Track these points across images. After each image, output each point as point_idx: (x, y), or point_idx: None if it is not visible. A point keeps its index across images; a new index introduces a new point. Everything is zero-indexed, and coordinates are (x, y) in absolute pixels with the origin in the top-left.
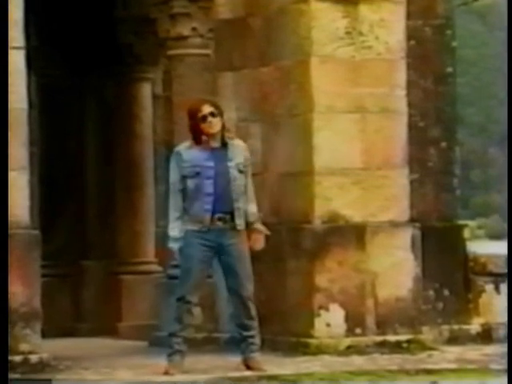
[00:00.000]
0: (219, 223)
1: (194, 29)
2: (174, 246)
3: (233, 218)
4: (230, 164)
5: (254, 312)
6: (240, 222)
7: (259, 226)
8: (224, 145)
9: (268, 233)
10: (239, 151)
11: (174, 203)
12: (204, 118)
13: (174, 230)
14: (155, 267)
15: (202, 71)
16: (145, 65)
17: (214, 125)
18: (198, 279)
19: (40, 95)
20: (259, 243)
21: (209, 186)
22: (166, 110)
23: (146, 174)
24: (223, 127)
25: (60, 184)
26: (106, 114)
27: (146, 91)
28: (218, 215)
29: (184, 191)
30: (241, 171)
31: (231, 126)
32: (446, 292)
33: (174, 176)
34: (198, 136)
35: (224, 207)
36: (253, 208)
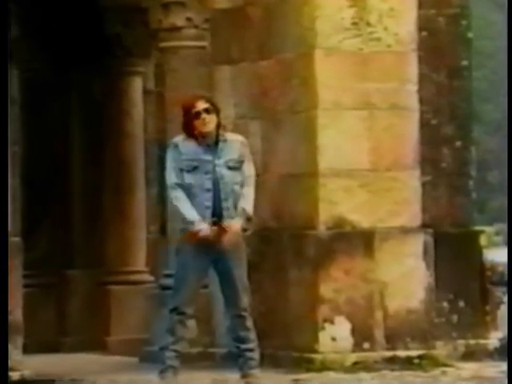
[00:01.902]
0: (214, 228)
1: (188, 19)
2: (202, 226)
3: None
4: (217, 162)
5: (250, 323)
6: (228, 223)
7: (228, 222)
8: (217, 142)
9: (236, 229)
10: (232, 147)
11: (178, 196)
12: (197, 114)
13: (193, 214)
14: (146, 277)
15: (197, 65)
16: (135, 58)
17: (208, 122)
18: (193, 289)
19: (22, 90)
20: (227, 241)
21: (207, 182)
22: (158, 107)
23: (136, 175)
24: (219, 125)
25: (43, 186)
26: (93, 111)
27: (136, 86)
28: (216, 215)
29: (181, 187)
30: (231, 168)
31: (229, 124)
32: (461, 303)
33: (171, 169)
34: (191, 134)
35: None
36: (243, 203)
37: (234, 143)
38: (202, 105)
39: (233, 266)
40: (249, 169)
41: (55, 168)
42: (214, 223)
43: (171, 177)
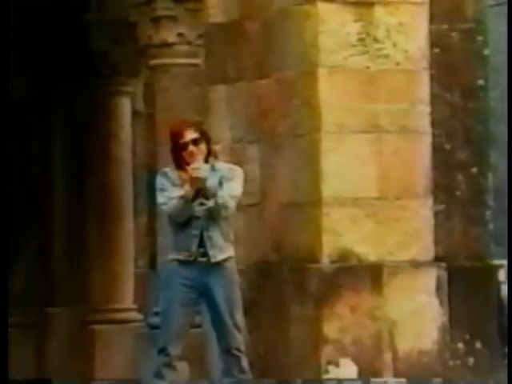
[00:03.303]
0: (203, 259)
1: (180, 34)
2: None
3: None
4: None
5: (246, 364)
6: (214, 254)
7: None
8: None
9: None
10: (216, 175)
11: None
12: (185, 145)
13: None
14: (134, 315)
15: (190, 84)
16: (123, 76)
17: (196, 155)
18: (180, 326)
19: None
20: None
21: (197, 210)
22: (147, 129)
23: (123, 203)
24: (209, 153)
25: (22, 215)
26: (77, 134)
27: (124, 107)
28: (202, 245)
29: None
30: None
31: (224, 148)
32: (478, 344)
33: (160, 191)
34: (178, 162)
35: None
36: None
37: (221, 172)
38: (190, 135)
39: (222, 300)
40: (233, 188)
41: (35, 195)
42: (203, 255)
43: (160, 198)
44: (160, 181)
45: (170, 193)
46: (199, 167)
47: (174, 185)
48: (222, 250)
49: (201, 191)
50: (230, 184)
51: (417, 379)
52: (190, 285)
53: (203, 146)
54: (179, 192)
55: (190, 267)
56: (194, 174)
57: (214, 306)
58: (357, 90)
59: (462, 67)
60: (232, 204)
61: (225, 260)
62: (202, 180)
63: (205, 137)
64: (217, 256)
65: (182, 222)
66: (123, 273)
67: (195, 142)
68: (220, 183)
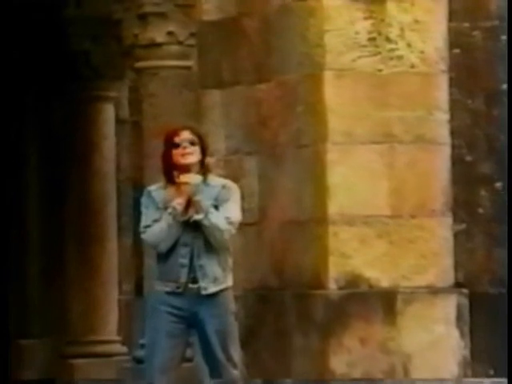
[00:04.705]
0: (193, 286)
1: (170, 33)
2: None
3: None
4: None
5: None
6: (206, 285)
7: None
8: None
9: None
10: (210, 193)
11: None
12: (179, 144)
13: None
14: (118, 347)
15: (181, 88)
16: (106, 80)
17: (189, 153)
18: (168, 360)
19: None
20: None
21: (185, 235)
22: (133, 140)
23: (106, 222)
24: (202, 164)
25: None
26: (54, 144)
27: (107, 114)
28: (192, 275)
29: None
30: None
31: (219, 161)
32: (504, 381)
33: (144, 215)
34: (168, 170)
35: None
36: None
37: (214, 188)
38: (186, 135)
39: (213, 332)
40: (229, 210)
41: (7, 213)
42: (194, 281)
43: (142, 222)
44: (143, 202)
45: (151, 217)
46: (189, 175)
47: (157, 208)
48: (217, 280)
49: (191, 205)
50: (226, 206)
51: None
52: (179, 314)
53: (198, 152)
54: (164, 216)
55: (179, 296)
56: (183, 179)
57: (204, 338)
58: (367, 95)
59: (484, 70)
60: (226, 227)
61: (218, 292)
62: (192, 187)
63: (202, 144)
64: (208, 288)
65: (166, 250)
66: (105, 300)
67: (191, 142)
68: (215, 206)
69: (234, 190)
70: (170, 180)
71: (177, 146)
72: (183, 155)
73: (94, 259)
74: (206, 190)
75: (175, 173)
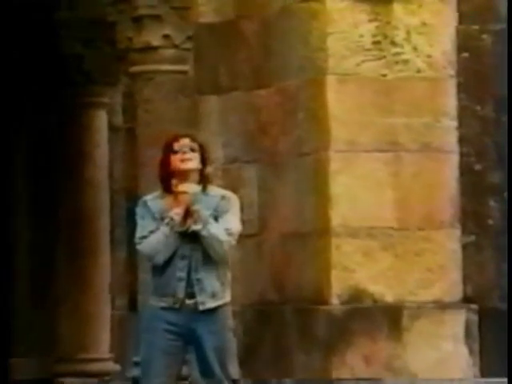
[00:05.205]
0: (190, 302)
1: (166, 36)
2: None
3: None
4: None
5: None
6: (203, 300)
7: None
8: None
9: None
10: (209, 204)
11: (147, 240)
12: (179, 151)
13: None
14: (111, 366)
15: (177, 94)
16: (98, 85)
17: (189, 159)
18: (164, 378)
19: None
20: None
21: (183, 247)
22: (127, 148)
23: (99, 234)
24: (206, 176)
25: None
26: (43, 153)
27: (100, 121)
28: (190, 290)
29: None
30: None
31: (216, 170)
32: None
33: (139, 226)
34: (166, 178)
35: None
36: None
37: (213, 199)
38: (187, 142)
39: (212, 349)
40: (229, 221)
41: None
42: (191, 296)
43: (137, 233)
44: (139, 212)
45: (148, 227)
46: (187, 184)
47: (154, 218)
48: (215, 296)
49: (189, 214)
50: (226, 217)
51: None
52: (175, 331)
53: (198, 160)
54: (161, 226)
55: (175, 311)
56: (181, 189)
57: (202, 355)
58: (371, 101)
59: (494, 75)
60: (226, 238)
61: (216, 308)
62: (191, 196)
63: (202, 153)
64: (206, 303)
65: (163, 262)
66: (98, 315)
67: (191, 149)
68: (215, 217)
69: (234, 201)
70: (168, 189)
71: (176, 152)
72: (183, 160)
73: (85, 273)
74: (205, 200)
75: (173, 181)
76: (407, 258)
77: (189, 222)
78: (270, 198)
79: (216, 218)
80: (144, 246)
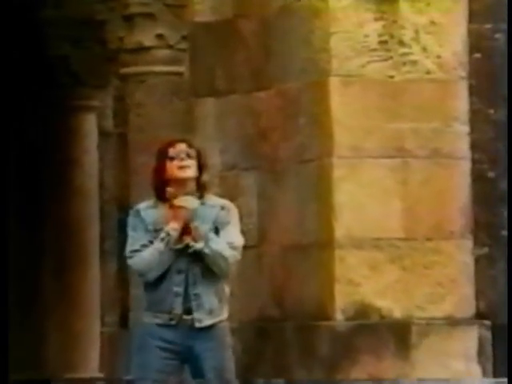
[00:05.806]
0: (187, 317)
1: (159, 36)
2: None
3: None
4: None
5: None
6: (200, 317)
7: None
8: None
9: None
10: (207, 214)
11: (139, 255)
12: (175, 157)
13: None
14: None
15: (172, 97)
16: (87, 87)
17: (186, 166)
18: None
19: None
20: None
21: (179, 261)
22: (118, 154)
23: (88, 246)
24: (203, 185)
25: None
26: (29, 160)
27: (89, 126)
28: (187, 305)
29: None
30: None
31: (214, 177)
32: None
33: (130, 238)
34: (160, 185)
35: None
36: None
37: (212, 209)
38: (183, 147)
39: (210, 368)
40: (231, 234)
41: None
42: (188, 312)
43: (128, 245)
44: (131, 222)
45: (140, 241)
46: (186, 198)
47: (147, 230)
48: (212, 312)
49: (187, 231)
50: (228, 229)
51: None
52: (170, 349)
53: (195, 167)
54: (155, 242)
55: (171, 328)
56: (179, 203)
57: (200, 375)
58: (377, 104)
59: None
60: (230, 253)
61: (214, 325)
62: (190, 212)
63: (199, 159)
64: (203, 321)
65: (154, 280)
66: (87, 332)
67: (188, 155)
68: (216, 231)
69: (234, 211)
70: (162, 197)
71: (171, 158)
72: (181, 168)
73: (73, 287)
74: (203, 211)
75: (168, 189)
76: (416, 270)
77: (186, 238)
78: (269, 207)
79: (216, 230)
80: (135, 262)
